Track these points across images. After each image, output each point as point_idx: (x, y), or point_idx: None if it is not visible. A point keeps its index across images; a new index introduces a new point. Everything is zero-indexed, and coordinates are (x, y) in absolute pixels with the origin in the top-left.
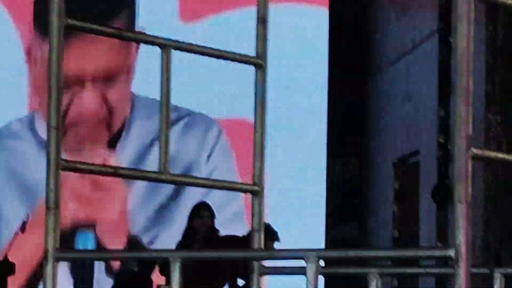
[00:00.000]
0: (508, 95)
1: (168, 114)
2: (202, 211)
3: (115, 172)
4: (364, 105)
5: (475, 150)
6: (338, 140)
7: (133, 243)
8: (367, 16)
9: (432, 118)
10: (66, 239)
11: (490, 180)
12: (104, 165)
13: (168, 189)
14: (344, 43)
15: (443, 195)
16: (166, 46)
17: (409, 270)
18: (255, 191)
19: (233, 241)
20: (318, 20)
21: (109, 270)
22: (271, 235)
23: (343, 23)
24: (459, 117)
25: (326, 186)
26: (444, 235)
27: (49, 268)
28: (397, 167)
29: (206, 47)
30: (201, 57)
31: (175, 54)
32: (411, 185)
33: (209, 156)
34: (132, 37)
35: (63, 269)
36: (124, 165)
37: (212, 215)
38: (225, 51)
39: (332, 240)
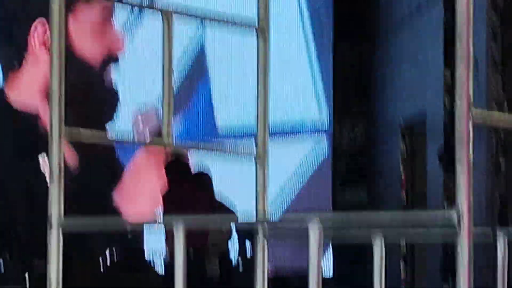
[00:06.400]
0: None
1: (171, 82)
2: None
3: (119, 139)
4: (369, 70)
5: (475, 112)
6: (344, 105)
7: None
8: None
9: (438, 82)
10: None
11: (494, 143)
12: (107, 133)
13: None
14: (348, 8)
15: (449, 158)
16: (167, 11)
17: (412, 231)
18: (259, 155)
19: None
20: None
21: None
22: None
23: None
24: (459, 79)
25: (332, 151)
26: (452, 198)
27: (53, 235)
28: (404, 131)
29: (206, 12)
30: None
31: None
32: (418, 148)
33: None
34: (132, 2)
35: None
36: None
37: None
38: (225, 15)
39: (339, 205)
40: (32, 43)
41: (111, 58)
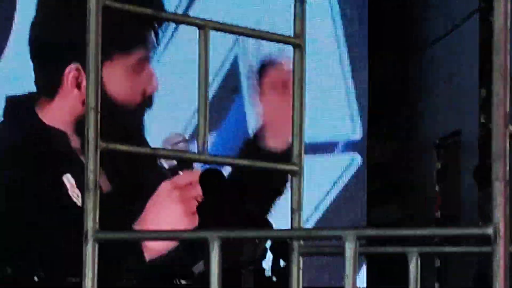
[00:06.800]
0: None
1: (207, 95)
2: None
3: (154, 152)
4: (404, 86)
5: None
6: (378, 121)
7: None
8: None
9: (473, 98)
10: None
11: None
12: (143, 146)
13: None
14: (384, 23)
15: (484, 175)
16: (204, 26)
17: (448, 249)
18: (294, 171)
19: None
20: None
21: None
22: None
23: (383, 2)
24: (496, 94)
25: (366, 168)
26: (487, 215)
27: (89, 248)
28: (439, 147)
29: (244, 27)
30: None
31: None
32: (453, 165)
33: None
34: (169, 18)
35: None
36: None
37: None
38: (263, 31)
39: (373, 221)
40: (66, 82)
41: (145, 100)
